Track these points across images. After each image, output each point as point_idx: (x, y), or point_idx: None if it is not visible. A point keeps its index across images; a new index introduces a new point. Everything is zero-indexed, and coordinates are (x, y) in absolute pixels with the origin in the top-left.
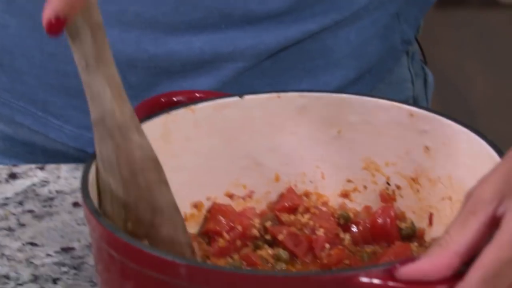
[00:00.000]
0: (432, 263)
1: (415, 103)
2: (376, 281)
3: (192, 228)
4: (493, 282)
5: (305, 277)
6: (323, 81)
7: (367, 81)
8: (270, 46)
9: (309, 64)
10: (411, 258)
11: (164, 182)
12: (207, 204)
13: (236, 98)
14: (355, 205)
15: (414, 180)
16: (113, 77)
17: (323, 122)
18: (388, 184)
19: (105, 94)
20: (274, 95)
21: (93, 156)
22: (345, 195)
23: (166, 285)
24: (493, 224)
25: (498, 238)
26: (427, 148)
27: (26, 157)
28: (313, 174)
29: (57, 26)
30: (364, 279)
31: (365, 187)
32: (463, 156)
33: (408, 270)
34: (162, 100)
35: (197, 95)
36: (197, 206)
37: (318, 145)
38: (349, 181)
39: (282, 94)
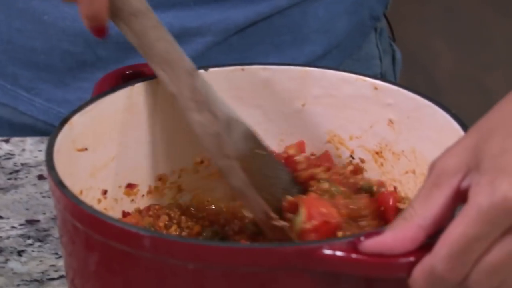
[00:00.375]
0: (395, 236)
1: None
2: (339, 253)
3: (157, 200)
4: (461, 257)
5: (269, 249)
6: (291, 57)
7: (335, 57)
8: (239, 22)
9: (277, 39)
10: (375, 232)
11: None
12: (172, 177)
13: (200, 71)
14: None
15: (378, 153)
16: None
17: (288, 95)
18: (352, 157)
19: None
20: (238, 68)
21: (58, 129)
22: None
23: (130, 257)
24: (458, 197)
25: (465, 214)
26: (391, 122)
27: None
28: (277, 148)
29: (99, 31)
30: (327, 251)
31: None
32: (427, 130)
33: (371, 243)
34: (127, 72)
35: None
36: (161, 178)
37: (282, 118)
38: (313, 154)
39: (246, 67)
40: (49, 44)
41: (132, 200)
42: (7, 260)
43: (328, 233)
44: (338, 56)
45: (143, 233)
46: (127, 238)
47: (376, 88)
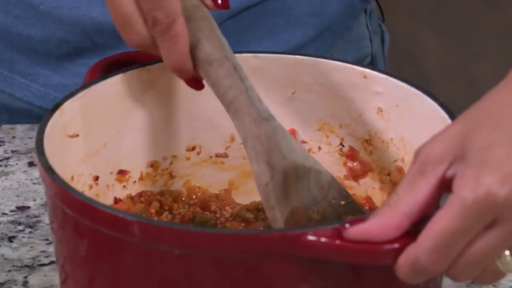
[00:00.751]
0: (379, 223)
1: (373, 60)
2: (323, 239)
3: (149, 186)
4: (444, 250)
5: (253, 235)
6: (284, 39)
7: (327, 39)
8: (233, 6)
9: (270, 22)
10: (360, 219)
11: None
12: (163, 164)
13: None
14: None
15: (368, 141)
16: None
17: (278, 83)
18: (342, 145)
19: None
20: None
21: (48, 115)
22: None
23: (119, 242)
24: (443, 185)
25: (449, 206)
26: (380, 110)
27: None
28: None
29: (192, 83)
30: (312, 237)
31: (319, 148)
32: (415, 118)
33: (356, 230)
34: (120, 59)
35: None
36: (153, 165)
37: (273, 106)
38: (303, 142)
39: (237, 55)
40: (46, 32)
41: (124, 186)
42: None
43: None
44: (330, 37)
45: (131, 219)
46: (116, 224)
47: (365, 77)
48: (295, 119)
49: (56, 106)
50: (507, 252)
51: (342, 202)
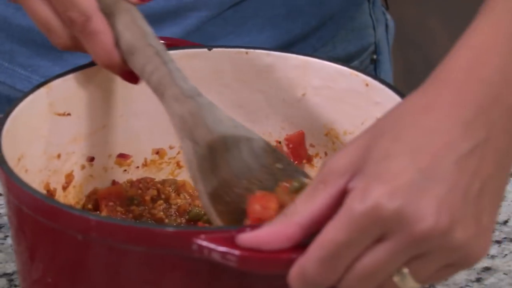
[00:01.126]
0: (272, 232)
1: (376, 48)
2: (212, 245)
3: (153, 174)
4: (330, 262)
5: (146, 229)
6: (285, 29)
7: (329, 28)
8: None
9: (271, 12)
10: (254, 225)
11: None
12: (170, 153)
13: (204, 50)
14: (315, 171)
15: None
16: None
17: (289, 83)
18: None
19: None
20: (242, 50)
21: (4, 117)
22: (308, 159)
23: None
24: (343, 198)
25: (338, 218)
26: None
27: None
28: (278, 135)
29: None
30: (201, 241)
31: (326, 154)
32: None
33: (248, 237)
34: None
35: (162, 42)
36: (159, 152)
37: (283, 105)
38: (312, 145)
39: (250, 51)
40: None
41: (125, 170)
42: (6, 236)
43: None
44: (332, 27)
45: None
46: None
47: (367, 85)
48: (304, 121)
49: (42, 83)
50: (405, 270)
51: (279, 166)
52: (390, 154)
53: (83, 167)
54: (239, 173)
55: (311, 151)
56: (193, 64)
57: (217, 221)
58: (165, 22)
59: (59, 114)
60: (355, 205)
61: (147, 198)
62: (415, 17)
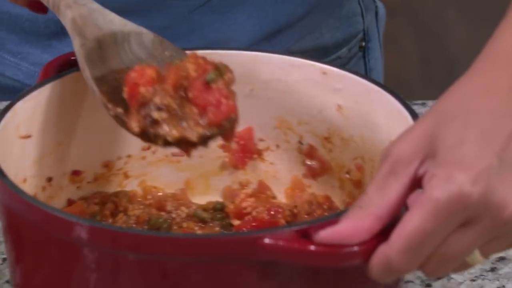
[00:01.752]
0: (350, 226)
1: (365, 36)
2: (281, 242)
3: (103, 187)
4: (417, 250)
5: (208, 239)
6: (272, 17)
7: (316, 16)
8: None
9: (258, 0)
10: (331, 221)
11: None
12: (118, 164)
13: None
14: (267, 164)
15: (327, 139)
16: None
17: (237, 81)
18: (301, 143)
19: None
20: (189, 52)
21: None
22: (258, 154)
23: (69, 246)
24: (414, 184)
25: (421, 207)
26: (339, 107)
27: None
28: None
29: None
30: (269, 241)
31: (277, 146)
32: (375, 115)
33: (327, 233)
34: (72, 58)
35: None
36: (108, 165)
37: None
38: (261, 139)
39: (197, 52)
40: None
41: (78, 187)
42: None
43: (136, 95)
44: (319, 15)
45: (75, 221)
46: (64, 227)
47: (324, 73)
48: (253, 116)
49: (9, 107)
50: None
51: (167, 53)
52: (464, 139)
53: (43, 188)
54: (128, 63)
55: (261, 145)
56: None
57: (102, 100)
58: (152, 11)
59: (22, 137)
60: (439, 194)
61: (107, 212)
62: (433, 7)
